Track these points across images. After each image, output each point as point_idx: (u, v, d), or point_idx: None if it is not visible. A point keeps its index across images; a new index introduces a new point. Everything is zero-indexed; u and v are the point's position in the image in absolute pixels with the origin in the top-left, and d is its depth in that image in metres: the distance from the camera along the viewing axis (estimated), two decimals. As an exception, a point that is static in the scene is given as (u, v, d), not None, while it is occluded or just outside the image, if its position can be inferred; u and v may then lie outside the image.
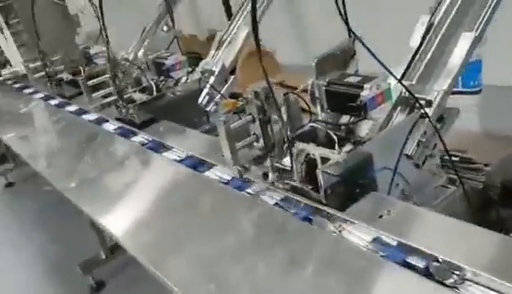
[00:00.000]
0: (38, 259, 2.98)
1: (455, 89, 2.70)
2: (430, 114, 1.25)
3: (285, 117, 1.20)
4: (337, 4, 1.27)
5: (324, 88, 1.26)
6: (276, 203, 1.18)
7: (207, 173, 1.42)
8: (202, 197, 1.37)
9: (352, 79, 1.24)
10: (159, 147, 1.69)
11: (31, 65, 2.64)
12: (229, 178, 1.34)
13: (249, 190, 1.26)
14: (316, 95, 1.28)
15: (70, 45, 3.07)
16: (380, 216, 1.03)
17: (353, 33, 1.31)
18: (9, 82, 3.07)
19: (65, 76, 2.54)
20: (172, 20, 2.17)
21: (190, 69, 2.05)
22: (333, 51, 1.32)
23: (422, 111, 1.25)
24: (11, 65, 3.05)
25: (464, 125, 2.36)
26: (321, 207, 1.11)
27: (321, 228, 1.05)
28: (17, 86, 2.97)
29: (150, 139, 1.76)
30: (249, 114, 1.19)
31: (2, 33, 2.99)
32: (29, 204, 3.65)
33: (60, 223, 3.09)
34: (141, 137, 1.81)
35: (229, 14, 4.61)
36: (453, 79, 1.32)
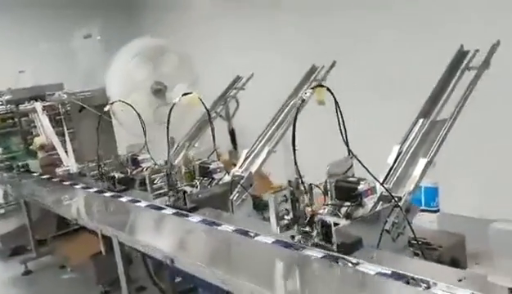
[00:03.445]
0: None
1: (419, 207, 3.42)
2: (401, 205, 1.95)
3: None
4: (341, 132, 2.03)
5: (333, 184, 1.96)
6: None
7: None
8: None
9: (351, 179, 1.95)
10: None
11: (90, 165, 3.32)
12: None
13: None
14: (328, 188, 1.98)
15: (113, 152, 3.79)
16: (371, 257, 1.67)
17: (352, 152, 2.06)
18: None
19: (117, 175, 3.20)
20: (214, 138, 2.90)
21: (224, 173, 2.75)
22: (338, 162, 2.05)
23: (395, 203, 1.95)
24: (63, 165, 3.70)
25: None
26: (334, 253, 1.75)
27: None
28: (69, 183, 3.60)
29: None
30: (284, 196, 1.87)
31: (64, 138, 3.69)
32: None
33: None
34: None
35: (234, 141, 5.51)
36: (415, 186, 2.04)
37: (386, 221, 1.93)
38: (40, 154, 3.96)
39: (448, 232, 2.35)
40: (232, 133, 5.38)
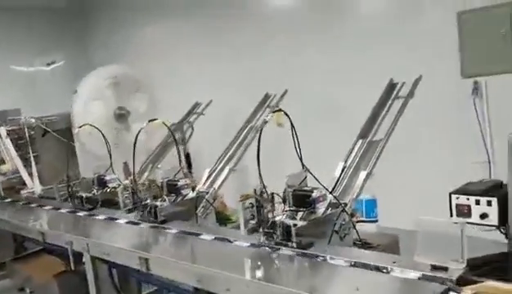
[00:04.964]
0: None
1: (360, 218, 3.85)
2: (347, 210, 2.34)
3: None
4: (295, 149, 2.41)
5: (291, 193, 2.32)
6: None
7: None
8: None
9: (306, 189, 2.33)
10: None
11: (59, 186, 3.49)
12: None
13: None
14: (287, 197, 2.33)
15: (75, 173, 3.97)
16: (325, 251, 2.04)
17: (305, 166, 2.44)
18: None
19: (84, 194, 3.40)
20: (180, 157, 3.20)
21: (190, 190, 3.05)
22: (295, 174, 2.42)
23: (342, 208, 2.34)
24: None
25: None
26: (293, 249, 2.10)
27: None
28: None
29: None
30: (250, 203, 2.21)
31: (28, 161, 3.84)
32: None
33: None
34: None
35: (189, 164, 5.78)
36: (357, 194, 2.45)
37: (335, 223, 2.31)
38: (1, 178, 4.06)
39: (384, 233, 2.78)
40: (187, 156, 5.65)
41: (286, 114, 2.36)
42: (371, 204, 3.69)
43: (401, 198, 4.29)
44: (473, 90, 4.14)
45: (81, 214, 3.36)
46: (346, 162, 2.64)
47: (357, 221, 3.69)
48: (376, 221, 3.73)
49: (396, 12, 4.84)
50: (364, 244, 2.47)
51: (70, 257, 3.16)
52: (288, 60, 5.61)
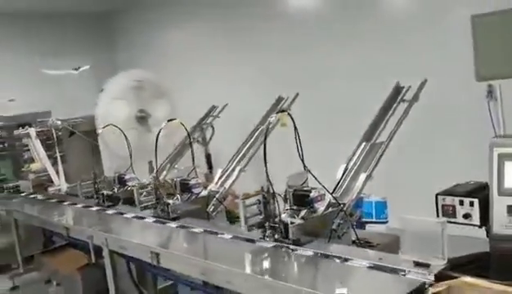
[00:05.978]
0: None
1: (371, 219, 3.91)
2: (345, 210, 2.44)
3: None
4: (297, 150, 2.52)
5: (291, 192, 2.44)
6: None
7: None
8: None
9: (305, 189, 2.44)
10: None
11: (83, 183, 3.72)
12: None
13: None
14: (287, 196, 2.45)
15: (100, 173, 4.19)
16: (319, 248, 2.15)
17: (306, 167, 2.55)
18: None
19: (105, 192, 3.61)
20: (193, 157, 3.36)
21: (202, 189, 3.20)
22: (296, 174, 2.53)
23: (341, 208, 2.44)
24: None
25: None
26: (291, 246, 2.22)
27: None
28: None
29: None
30: (258, 199, 2.34)
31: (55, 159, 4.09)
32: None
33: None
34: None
35: (209, 164, 5.96)
36: (356, 195, 2.54)
37: (333, 222, 2.42)
38: (31, 176, 4.33)
39: (385, 233, 2.85)
40: (208, 157, 5.84)
41: (289, 115, 2.47)
42: (381, 206, 3.76)
43: (413, 200, 4.33)
44: (487, 93, 4.14)
45: (102, 210, 3.57)
46: (348, 164, 2.73)
47: (367, 222, 3.79)
48: (386, 222, 3.80)
49: (412, 16, 4.88)
50: (363, 243, 2.56)
51: (91, 251, 3.37)
52: (304, 62, 5.73)
